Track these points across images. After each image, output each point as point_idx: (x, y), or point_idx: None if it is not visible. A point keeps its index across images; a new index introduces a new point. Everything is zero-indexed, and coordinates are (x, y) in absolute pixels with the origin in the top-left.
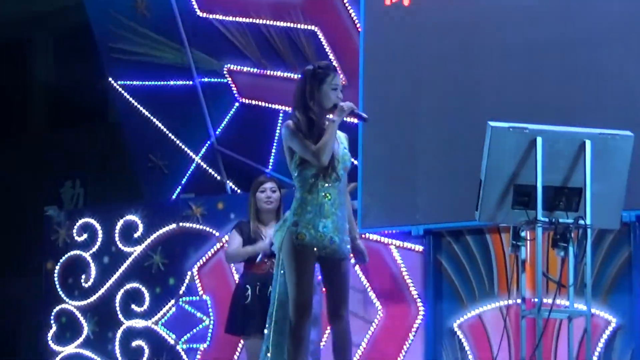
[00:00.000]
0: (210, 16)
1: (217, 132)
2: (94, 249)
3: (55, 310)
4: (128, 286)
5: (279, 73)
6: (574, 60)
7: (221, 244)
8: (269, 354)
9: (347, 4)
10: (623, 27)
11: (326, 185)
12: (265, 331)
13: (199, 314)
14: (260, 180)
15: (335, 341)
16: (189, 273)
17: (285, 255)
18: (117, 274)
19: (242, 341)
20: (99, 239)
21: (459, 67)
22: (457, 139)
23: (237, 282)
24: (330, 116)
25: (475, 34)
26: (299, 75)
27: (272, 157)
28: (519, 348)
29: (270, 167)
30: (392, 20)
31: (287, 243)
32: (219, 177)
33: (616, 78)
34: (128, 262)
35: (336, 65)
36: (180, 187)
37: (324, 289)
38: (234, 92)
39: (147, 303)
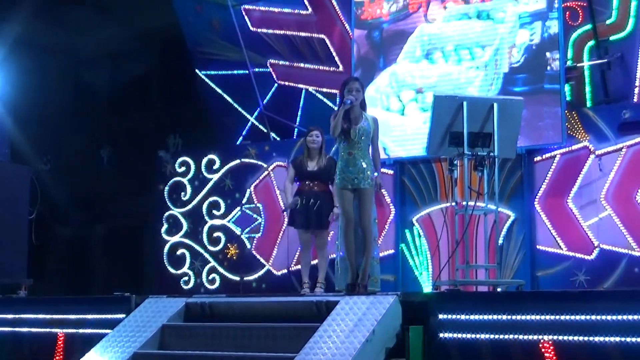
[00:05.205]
0: (258, 30)
1: (264, 102)
2: (188, 176)
3: (165, 215)
4: (210, 199)
5: (301, 64)
6: None
7: (267, 172)
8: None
9: (343, 21)
10: None
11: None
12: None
13: (254, 215)
14: (310, 128)
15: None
16: (248, 190)
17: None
18: (204, 191)
19: (281, 232)
20: (192, 170)
21: None
22: None
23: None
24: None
25: None
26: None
27: (298, 117)
28: (454, 233)
29: (297, 122)
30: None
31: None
32: (265, 130)
33: None
34: (210, 184)
35: (337, 59)
36: (241, 137)
37: None
38: (274, 77)
39: (222, 209)
